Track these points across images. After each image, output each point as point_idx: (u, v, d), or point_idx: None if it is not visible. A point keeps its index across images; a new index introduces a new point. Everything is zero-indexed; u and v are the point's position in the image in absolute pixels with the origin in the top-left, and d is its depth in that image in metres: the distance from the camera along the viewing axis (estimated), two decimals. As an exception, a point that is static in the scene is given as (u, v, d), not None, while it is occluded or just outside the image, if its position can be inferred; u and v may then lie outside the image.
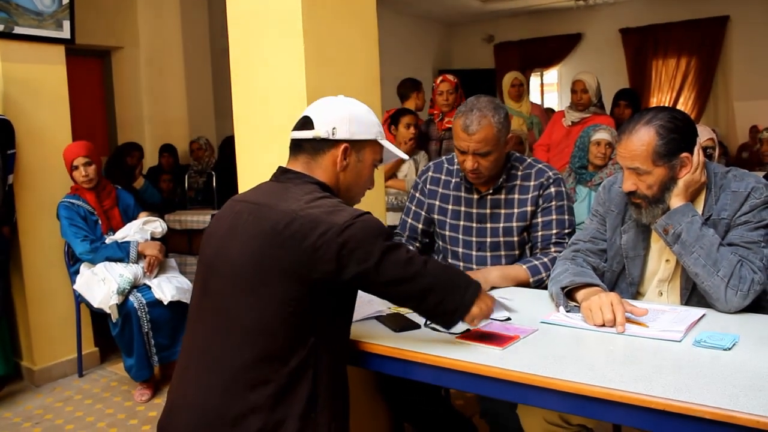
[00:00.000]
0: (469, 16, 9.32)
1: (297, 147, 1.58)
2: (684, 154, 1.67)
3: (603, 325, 1.52)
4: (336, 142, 1.53)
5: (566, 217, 2.12)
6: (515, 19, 9.32)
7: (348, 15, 2.18)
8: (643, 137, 1.66)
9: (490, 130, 1.98)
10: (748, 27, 7.71)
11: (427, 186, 2.29)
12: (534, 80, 9.71)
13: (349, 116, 1.55)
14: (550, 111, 7.30)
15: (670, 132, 1.65)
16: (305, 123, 1.57)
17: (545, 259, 2.06)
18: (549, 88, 9.76)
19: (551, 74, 9.62)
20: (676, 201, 1.68)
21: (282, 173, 1.58)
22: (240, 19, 2.19)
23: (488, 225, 2.16)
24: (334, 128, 1.53)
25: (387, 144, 1.62)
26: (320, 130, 1.54)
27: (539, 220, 2.11)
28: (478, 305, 1.47)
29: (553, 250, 2.09)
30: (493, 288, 1.96)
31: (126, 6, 5.51)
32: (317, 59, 2.06)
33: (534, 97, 9.59)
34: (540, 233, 2.11)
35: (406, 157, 1.75)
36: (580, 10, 7.32)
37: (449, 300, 1.45)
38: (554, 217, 2.10)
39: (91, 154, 3.35)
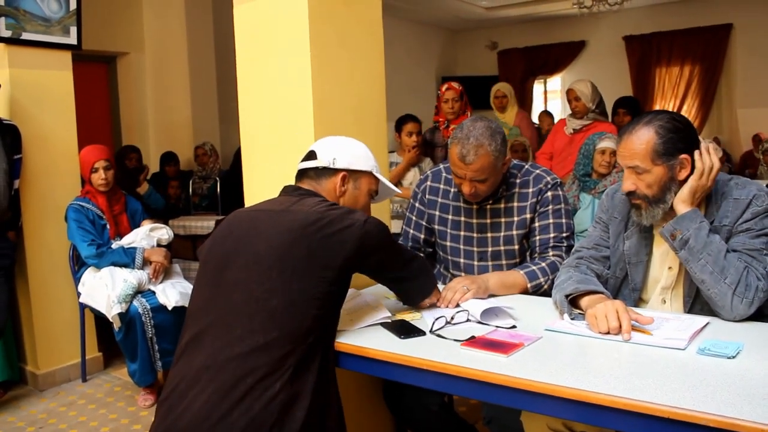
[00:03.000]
0: (473, 23, 9.35)
1: (302, 174, 1.83)
2: (683, 156, 1.68)
3: (608, 333, 1.52)
4: (336, 171, 1.79)
5: (564, 220, 2.11)
6: (519, 26, 9.35)
7: (354, 23, 2.20)
8: (642, 136, 1.68)
9: (487, 159, 1.96)
10: (752, 35, 7.73)
11: (427, 196, 2.28)
12: (537, 87, 9.74)
13: (348, 150, 1.83)
14: (547, 114, 7.29)
15: (669, 132, 1.67)
16: (310, 155, 1.82)
17: (543, 264, 2.05)
18: (552, 95, 9.79)
19: (555, 81, 9.65)
20: (682, 207, 1.67)
21: (294, 189, 1.80)
22: (247, 28, 2.21)
23: (489, 234, 2.16)
24: (334, 158, 1.79)
25: (383, 178, 1.88)
26: (322, 160, 1.79)
27: (536, 224, 2.11)
28: (437, 290, 1.88)
29: (551, 254, 2.08)
30: (491, 295, 1.96)
31: (132, 12, 5.55)
32: (323, 67, 2.07)
33: (537, 103, 9.62)
34: (538, 237, 2.10)
35: (398, 191, 1.97)
36: (583, 17, 7.33)
37: (424, 285, 1.83)
38: (551, 221, 2.10)
39: (110, 158, 3.42)
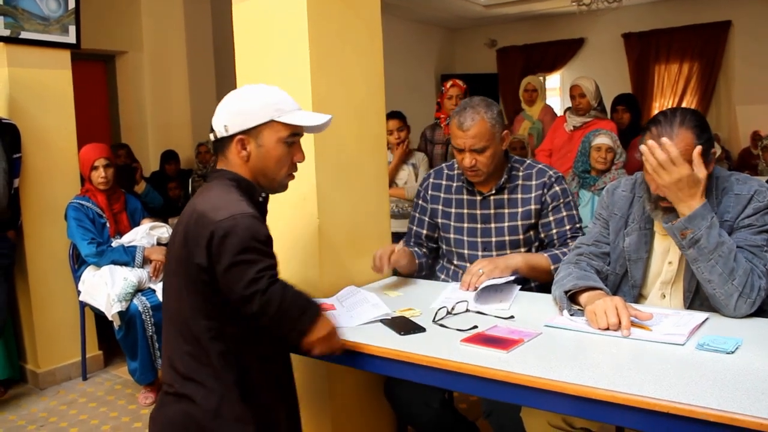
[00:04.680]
0: (472, 21, 9.34)
1: (214, 151, 1.73)
2: (713, 150, 1.69)
3: (607, 329, 1.53)
4: (231, 137, 1.64)
5: (574, 212, 2.21)
6: (518, 24, 9.34)
7: (353, 22, 2.19)
8: (684, 138, 1.63)
9: (483, 125, 2.07)
10: (750, 31, 7.73)
11: (429, 192, 2.35)
12: (536, 85, 9.72)
13: (238, 109, 1.65)
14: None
15: (703, 132, 1.66)
16: (210, 128, 1.70)
17: (565, 249, 2.13)
18: (551, 92, 9.76)
19: (554, 79, 9.64)
20: (685, 208, 1.63)
21: (212, 173, 1.71)
22: (246, 27, 2.21)
23: (492, 225, 2.21)
24: (225, 125, 1.64)
25: (288, 117, 1.64)
26: (217, 131, 1.67)
27: (551, 218, 2.18)
28: (316, 332, 1.56)
29: (571, 244, 2.15)
30: (515, 273, 2.02)
31: (130, 11, 5.55)
32: (322, 66, 2.07)
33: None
34: (555, 231, 2.18)
35: (326, 118, 1.69)
36: (582, 15, 7.32)
37: (284, 324, 1.53)
38: (565, 213, 2.18)
39: (110, 156, 3.43)
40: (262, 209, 1.71)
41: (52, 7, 3.47)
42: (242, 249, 1.46)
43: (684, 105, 8.28)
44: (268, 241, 1.54)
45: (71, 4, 3.54)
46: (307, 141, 2.01)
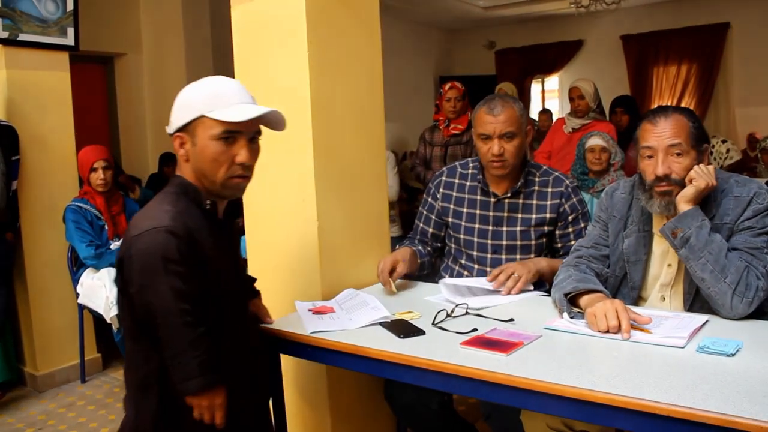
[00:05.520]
0: (471, 23, 9.35)
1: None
2: (705, 145, 1.72)
3: (607, 332, 1.53)
4: (172, 135, 1.54)
5: (589, 222, 2.22)
6: (517, 26, 9.35)
7: (352, 23, 2.19)
8: (679, 119, 1.70)
9: (513, 112, 2.11)
10: (748, 33, 7.74)
11: (441, 190, 2.33)
12: (535, 87, 9.73)
13: (178, 104, 1.53)
14: (545, 112, 7.34)
15: (696, 120, 1.72)
16: None
17: None
18: (550, 94, 9.78)
19: (552, 81, 9.65)
20: (685, 205, 1.67)
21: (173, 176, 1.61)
22: (244, 29, 2.21)
23: (504, 228, 2.20)
24: (171, 122, 1.54)
25: (219, 113, 1.46)
26: (168, 129, 1.56)
27: (570, 230, 2.20)
28: (198, 399, 1.43)
29: None
30: (540, 276, 2.05)
31: (129, 13, 5.55)
32: (321, 68, 2.07)
33: (535, 103, 9.62)
34: (574, 242, 2.18)
35: (248, 114, 1.49)
36: (581, 16, 7.33)
37: (174, 372, 1.41)
38: (582, 225, 2.20)
39: (109, 158, 3.42)
40: (213, 218, 1.57)
41: (51, 9, 3.47)
42: (147, 269, 1.37)
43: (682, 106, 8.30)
44: (187, 258, 1.39)
45: (70, 6, 3.54)
46: (305, 143, 2.01)
